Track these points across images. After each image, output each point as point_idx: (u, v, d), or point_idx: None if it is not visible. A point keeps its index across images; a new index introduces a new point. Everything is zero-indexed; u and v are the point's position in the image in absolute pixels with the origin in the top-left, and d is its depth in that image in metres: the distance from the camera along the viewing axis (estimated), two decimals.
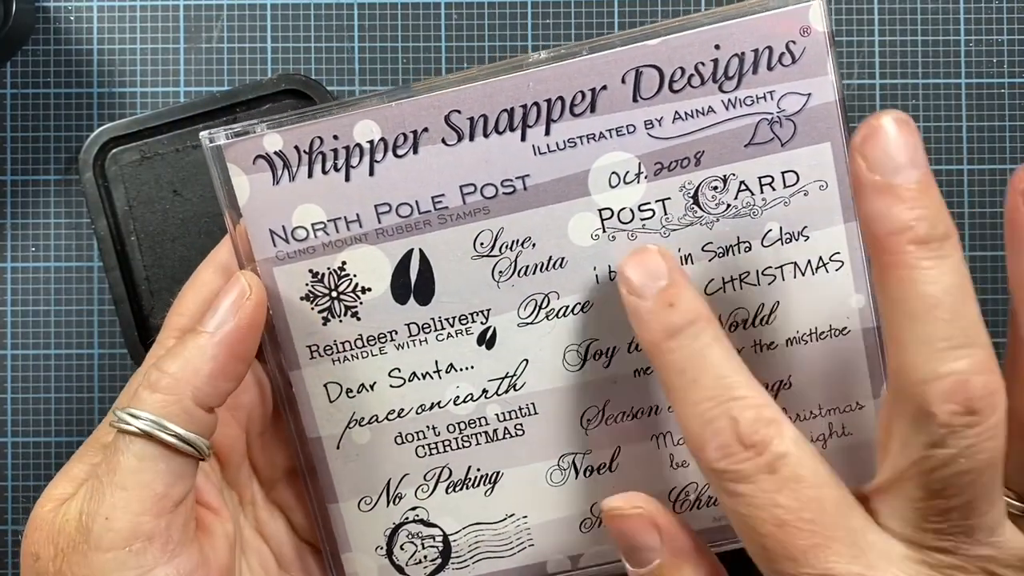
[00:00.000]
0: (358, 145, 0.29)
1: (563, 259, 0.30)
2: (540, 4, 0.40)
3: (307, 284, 0.30)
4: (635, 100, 0.29)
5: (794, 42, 0.28)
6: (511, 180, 0.29)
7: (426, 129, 0.29)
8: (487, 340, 0.30)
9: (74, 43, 0.40)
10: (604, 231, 0.30)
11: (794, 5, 0.28)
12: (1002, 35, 0.40)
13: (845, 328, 0.30)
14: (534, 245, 0.30)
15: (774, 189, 0.29)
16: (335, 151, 0.29)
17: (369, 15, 0.40)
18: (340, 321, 0.30)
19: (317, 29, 0.40)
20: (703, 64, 0.29)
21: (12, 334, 0.40)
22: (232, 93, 0.37)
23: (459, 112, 0.29)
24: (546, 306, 0.30)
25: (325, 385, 0.31)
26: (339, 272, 0.30)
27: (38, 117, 0.40)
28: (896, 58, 0.40)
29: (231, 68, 0.40)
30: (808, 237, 0.30)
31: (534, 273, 0.30)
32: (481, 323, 0.30)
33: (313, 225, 0.30)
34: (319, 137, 0.29)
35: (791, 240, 0.30)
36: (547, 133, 0.29)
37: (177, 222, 0.37)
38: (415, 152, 0.29)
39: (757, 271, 0.30)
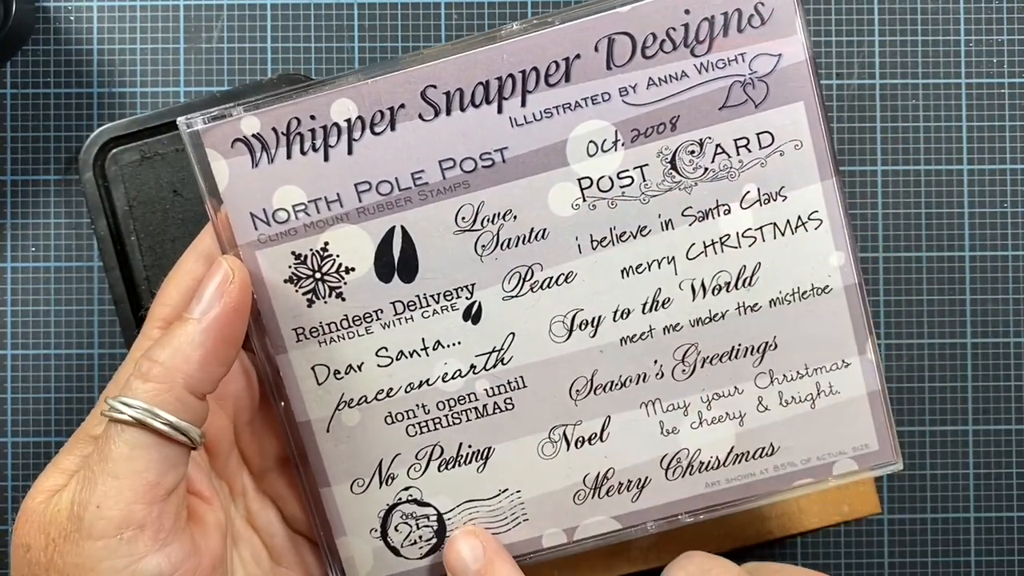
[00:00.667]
0: (335, 124, 0.29)
1: (545, 230, 0.30)
2: (540, 5, 0.40)
3: (290, 267, 0.30)
4: (609, 68, 0.29)
5: (762, 3, 0.29)
6: (490, 153, 0.29)
7: (403, 105, 0.29)
8: (473, 315, 0.31)
9: (74, 43, 0.40)
10: (584, 200, 0.30)
11: None
12: (1002, 35, 0.40)
13: (827, 286, 0.30)
14: (515, 217, 0.30)
15: (750, 151, 0.30)
16: (313, 131, 0.29)
17: (369, 15, 0.40)
18: (325, 302, 0.30)
19: (317, 29, 0.40)
20: (674, 29, 0.29)
21: (12, 334, 0.40)
22: (232, 93, 0.37)
23: (435, 87, 0.29)
24: (530, 278, 0.30)
25: (312, 368, 0.31)
26: (322, 253, 0.30)
27: (38, 117, 0.40)
28: (896, 58, 0.40)
29: (231, 68, 0.40)
30: (786, 197, 0.30)
31: (517, 246, 0.30)
32: (466, 298, 0.30)
33: (294, 207, 0.30)
34: (296, 118, 0.29)
35: (769, 201, 0.30)
36: (523, 104, 0.29)
37: (177, 222, 0.37)
38: (392, 129, 0.29)
39: (737, 233, 0.30)
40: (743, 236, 0.30)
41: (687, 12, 0.29)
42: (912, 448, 0.41)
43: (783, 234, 0.30)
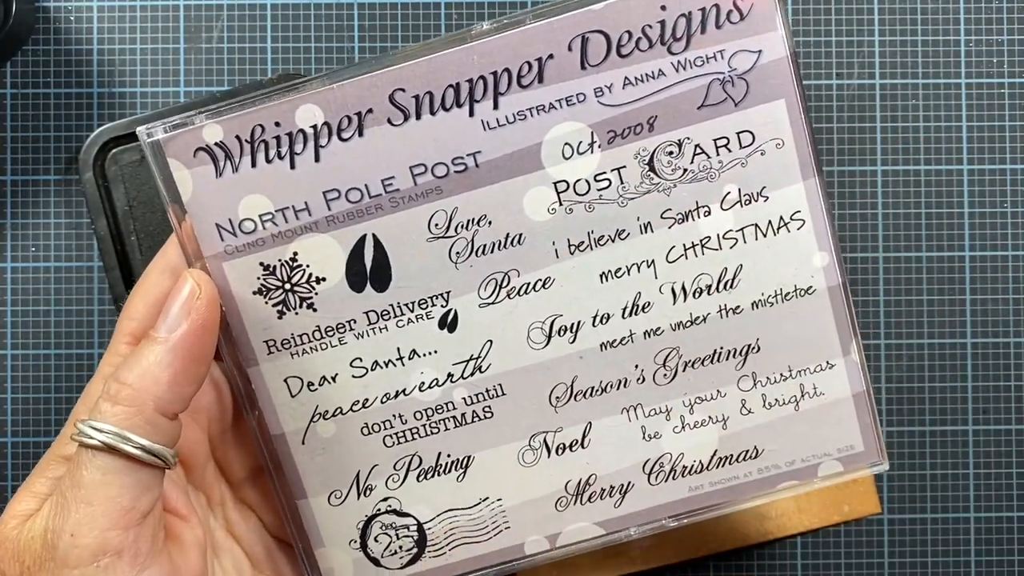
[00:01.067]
0: (301, 131, 0.28)
1: (521, 235, 0.29)
2: (540, 5, 0.39)
3: (259, 278, 0.29)
4: (583, 68, 0.28)
5: None
6: (462, 158, 0.29)
7: (370, 110, 0.28)
8: (449, 323, 0.30)
9: (74, 43, 0.40)
10: (561, 204, 0.29)
11: None
12: (1002, 35, 0.40)
13: (810, 287, 0.30)
14: (490, 223, 0.29)
15: (730, 150, 0.29)
16: (278, 138, 0.28)
17: (369, 15, 0.40)
18: (296, 314, 0.29)
19: (317, 29, 0.40)
20: (650, 26, 0.28)
21: (12, 334, 0.40)
22: (232, 93, 0.37)
23: (403, 90, 0.28)
24: (507, 285, 0.30)
25: (285, 380, 0.30)
26: (291, 263, 0.29)
27: (38, 117, 0.40)
28: (896, 58, 0.40)
29: (231, 68, 0.40)
30: (768, 197, 0.29)
31: (492, 252, 0.29)
32: (441, 306, 0.30)
33: (261, 216, 0.29)
34: (260, 125, 0.28)
35: (750, 201, 0.29)
36: (495, 107, 0.28)
37: None
38: (360, 135, 0.28)
39: (718, 235, 0.29)
40: (724, 238, 0.29)
41: (663, 8, 0.28)
42: (912, 448, 0.41)
43: (765, 235, 0.29)
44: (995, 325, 0.41)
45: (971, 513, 0.41)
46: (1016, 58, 0.41)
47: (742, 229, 0.29)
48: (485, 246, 0.29)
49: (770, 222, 0.29)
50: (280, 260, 0.29)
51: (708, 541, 0.36)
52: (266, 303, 0.29)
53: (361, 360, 0.30)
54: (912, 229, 0.41)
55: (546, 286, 0.30)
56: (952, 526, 0.41)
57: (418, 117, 0.28)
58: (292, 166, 0.28)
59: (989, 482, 0.41)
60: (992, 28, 0.41)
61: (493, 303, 0.30)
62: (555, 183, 0.29)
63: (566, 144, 0.29)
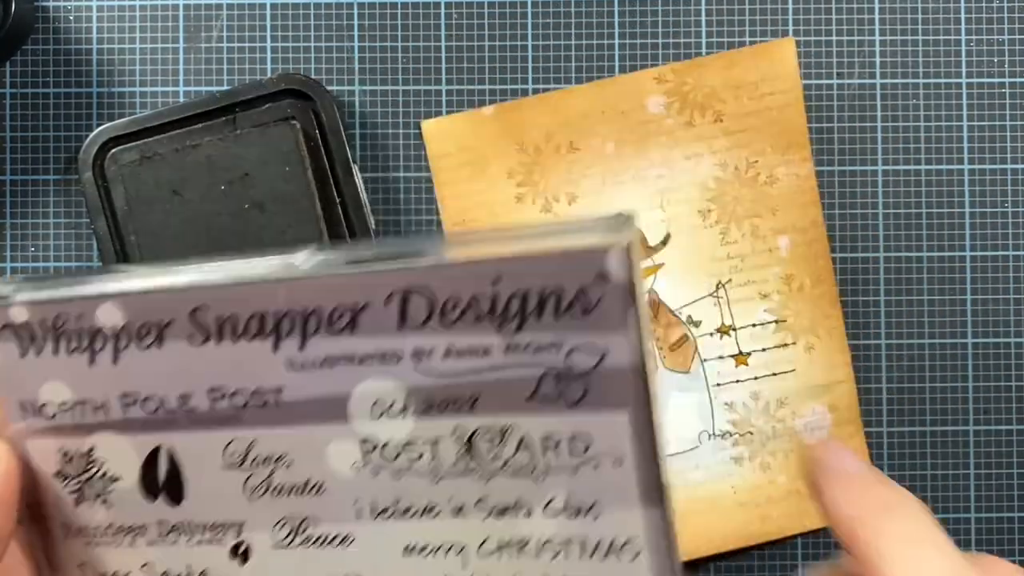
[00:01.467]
0: (100, 330, 0.26)
1: (321, 484, 0.26)
2: (540, 4, 0.40)
3: (58, 463, 0.27)
4: (401, 327, 0.24)
5: (586, 289, 0.22)
6: (263, 392, 0.25)
7: (171, 323, 0.25)
8: (241, 554, 0.27)
9: (74, 43, 0.40)
10: (365, 465, 0.25)
11: (590, 242, 0.22)
12: (1002, 35, 0.40)
13: None
14: (288, 466, 0.26)
15: (558, 455, 0.24)
16: (79, 332, 0.26)
17: (369, 15, 0.40)
18: (91, 506, 0.27)
19: (317, 29, 0.40)
20: (478, 299, 0.23)
21: None
22: (232, 93, 0.37)
23: (205, 309, 0.25)
24: (303, 532, 0.26)
25: (80, 566, 0.28)
26: (88, 456, 0.27)
27: (38, 117, 0.41)
28: (896, 58, 0.40)
29: (231, 68, 0.40)
30: (598, 516, 0.24)
31: (289, 495, 0.26)
32: (234, 536, 0.27)
33: (60, 404, 0.27)
34: (63, 315, 0.26)
35: (577, 515, 0.24)
36: (302, 348, 0.25)
37: (177, 222, 0.37)
38: (160, 346, 0.25)
39: (538, 541, 0.24)
40: (543, 547, 0.24)
41: (495, 283, 0.23)
42: (912, 448, 0.40)
43: (591, 556, 0.24)
44: (995, 325, 0.40)
45: (971, 513, 0.40)
46: (1016, 58, 0.40)
47: (567, 542, 0.24)
48: (283, 487, 0.26)
49: (598, 543, 0.24)
50: (78, 451, 0.27)
51: (710, 540, 0.36)
52: (64, 487, 0.28)
53: (152, 567, 0.28)
54: (912, 229, 0.40)
55: (345, 544, 0.26)
56: (952, 526, 0.40)
57: (219, 340, 0.25)
58: (91, 362, 0.26)
59: (989, 482, 0.40)
60: (992, 28, 0.40)
61: (288, 547, 0.26)
62: (361, 441, 0.25)
63: (376, 403, 0.25)
